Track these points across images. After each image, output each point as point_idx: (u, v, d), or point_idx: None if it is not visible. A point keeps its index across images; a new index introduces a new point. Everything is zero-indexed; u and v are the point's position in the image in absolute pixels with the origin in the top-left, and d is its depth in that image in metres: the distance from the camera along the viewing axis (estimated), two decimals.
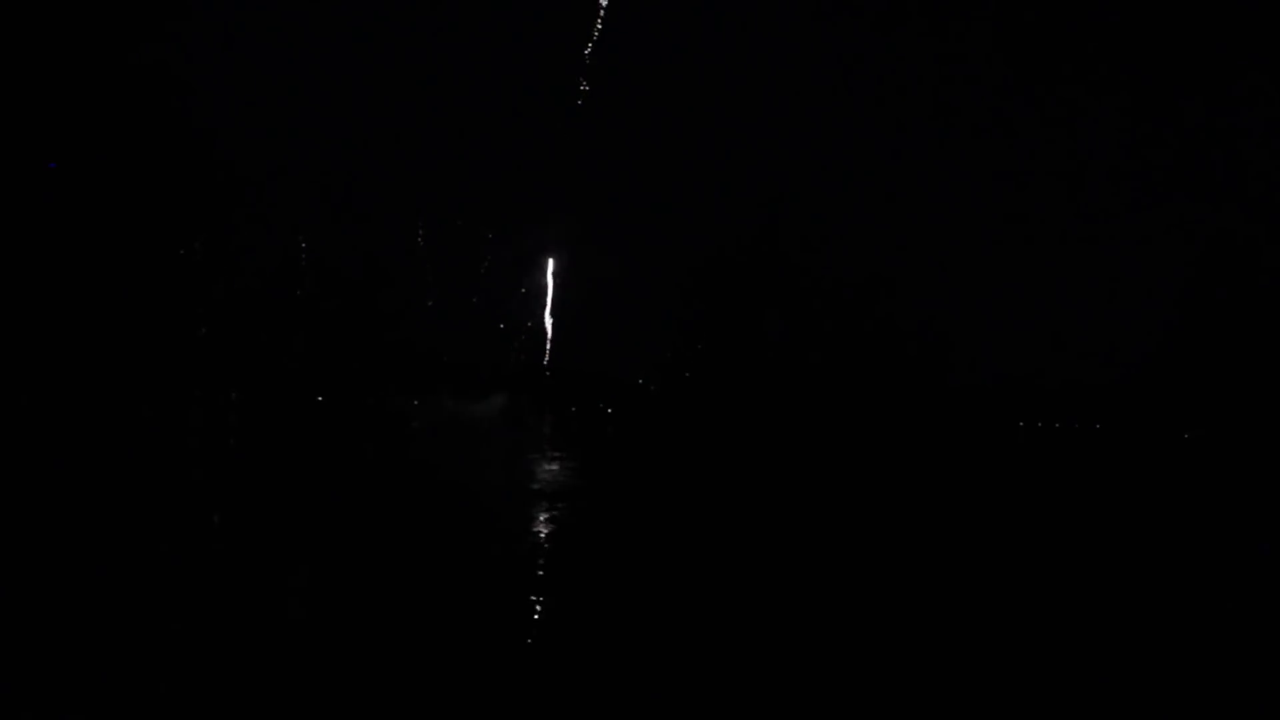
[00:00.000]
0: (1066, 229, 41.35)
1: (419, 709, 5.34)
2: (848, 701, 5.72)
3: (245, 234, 42.51)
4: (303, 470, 18.97)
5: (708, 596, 8.26)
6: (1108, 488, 21.00)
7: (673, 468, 23.54)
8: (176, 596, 7.55)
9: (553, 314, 46.90)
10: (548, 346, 47.29)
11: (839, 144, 42.93)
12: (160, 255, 40.26)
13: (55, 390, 33.62)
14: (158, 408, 34.41)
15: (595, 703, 5.56)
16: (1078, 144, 40.62)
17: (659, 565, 9.75)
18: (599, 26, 42.93)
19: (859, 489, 18.95)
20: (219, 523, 11.82)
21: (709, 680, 5.94)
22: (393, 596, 7.82)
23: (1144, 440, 37.99)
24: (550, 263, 46.80)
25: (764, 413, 43.00)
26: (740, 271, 45.64)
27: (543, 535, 11.16)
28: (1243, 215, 38.06)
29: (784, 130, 43.37)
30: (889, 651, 6.69)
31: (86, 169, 37.31)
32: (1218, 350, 38.22)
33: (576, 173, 45.81)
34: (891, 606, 8.10)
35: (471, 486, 17.29)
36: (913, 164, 42.34)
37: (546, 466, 20.31)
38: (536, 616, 7.32)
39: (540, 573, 9.01)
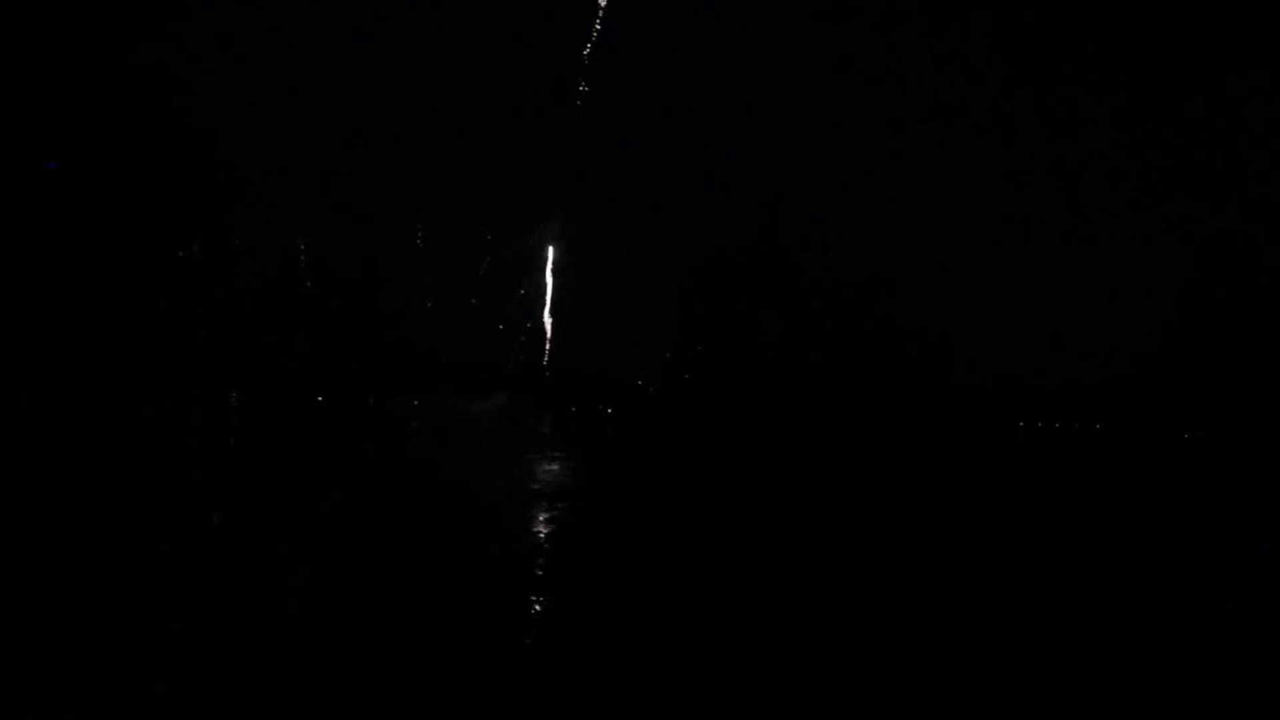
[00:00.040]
0: (1066, 229, 41.39)
1: (418, 709, 5.33)
2: (848, 701, 5.71)
3: (245, 234, 42.50)
4: (302, 470, 18.98)
5: (707, 596, 8.26)
6: (1107, 488, 21.00)
7: (672, 468, 23.56)
8: (176, 596, 7.55)
9: (552, 314, 46.91)
10: (547, 347, 47.30)
11: (839, 144, 43.02)
12: (160, 255, 40.23)
13: (55, 390, 33.60)
14: (158, 408, 34.41)
15: (595, 703, 5.55)
16: (1078, 144, 40.66)
17: (658, 565, 9.75)
18: (598, 27, 42.92)
19: (859, 489, 18.95)
20: (219, 523, 11.82)
21: (709, 680, 5.94)
22: (392, 596, 7.82)
23: (1144, 440, 37.97)
24: (550, 263, 46.82)
25: (764, 413, 42.97)
26: (740, 271, 45.65)
27: (542, 535, 11.17)
28: (1243, 215, 38.09)
29: (784, 130, 43.48)
30: (889, 651, 6.69)
31: (86, 169, 37.29)
32: (1217, 350, 38.22)
33: (576, 173, 45.87)
34: (892, 606, 8.10)
35: (471, 486, 17.31)
36: (913, 164, 42.42)
37: (546, 466, 20.33)
38: (535, 616, 7.32)
39: (539, 573, 9.01)
